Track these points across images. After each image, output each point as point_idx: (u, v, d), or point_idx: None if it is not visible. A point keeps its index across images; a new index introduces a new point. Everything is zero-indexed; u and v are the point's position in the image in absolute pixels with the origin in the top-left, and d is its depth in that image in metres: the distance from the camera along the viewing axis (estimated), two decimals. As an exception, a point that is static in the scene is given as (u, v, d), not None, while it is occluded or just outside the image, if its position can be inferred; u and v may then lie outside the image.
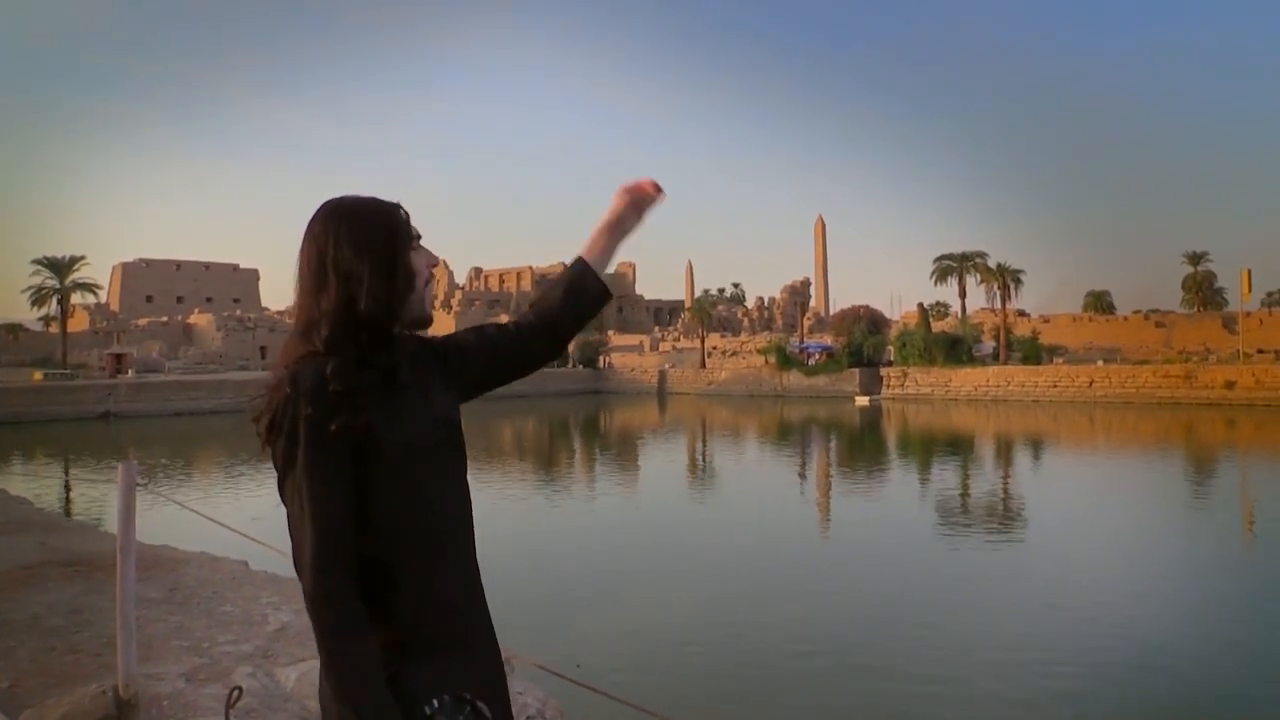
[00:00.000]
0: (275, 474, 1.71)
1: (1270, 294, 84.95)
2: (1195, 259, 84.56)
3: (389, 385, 1.74)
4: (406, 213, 1.85)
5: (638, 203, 2.07)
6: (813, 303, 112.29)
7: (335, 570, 1.65)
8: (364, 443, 1.68)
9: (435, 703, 1.66)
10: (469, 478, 1.89)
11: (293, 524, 1.67)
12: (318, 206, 1.83)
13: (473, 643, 1.78)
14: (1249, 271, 57.24)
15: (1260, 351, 58.73)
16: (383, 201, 1.84)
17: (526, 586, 11.91)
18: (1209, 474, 26.71)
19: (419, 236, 1.85)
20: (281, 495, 1.70)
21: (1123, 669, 9.45)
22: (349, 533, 1.68)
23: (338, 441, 1.66)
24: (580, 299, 2.02)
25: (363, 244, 1.78)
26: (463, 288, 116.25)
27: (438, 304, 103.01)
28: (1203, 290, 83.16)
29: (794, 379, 63.21)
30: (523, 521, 18.14)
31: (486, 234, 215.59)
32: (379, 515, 1.71)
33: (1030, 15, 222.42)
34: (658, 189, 2.06)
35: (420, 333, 1.91)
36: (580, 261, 2.04)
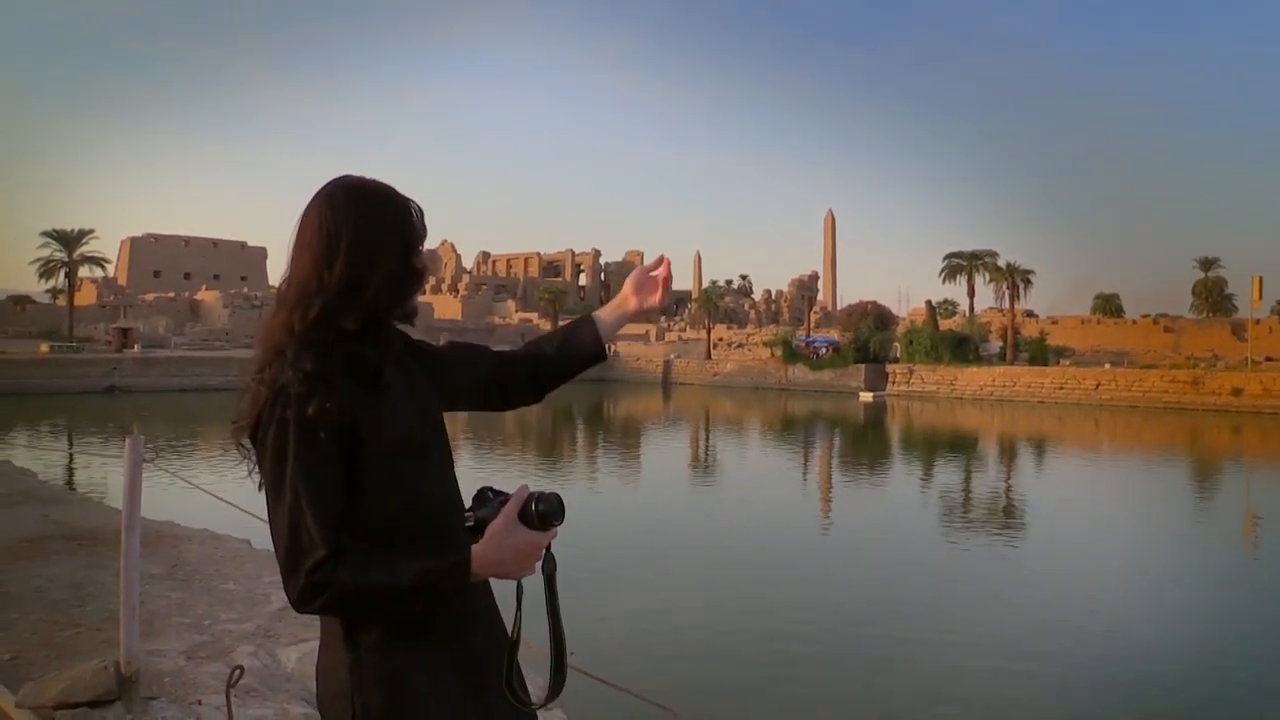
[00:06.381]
0: (261, 477, 1.65)
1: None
2: (1206, 264, 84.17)
3: (373, 381, 1.70)
4: (421, 210, 1.82)
5: (647, 288, 2.12)
6: (820, 297, 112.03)
7: (339, 537, 1.61)
8: (350, 440, 1.64)
9: None
10: (457, 472, 1.87)
11: (279, 523, 1.60)
12: (335, 179, 1.77)
13: (469, 631, 1.76)
14: (1260, 279, 57.05)
15: (1269, 359, 58.45)
16: (400, 193, 1.81)
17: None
18: (1213, 480, 26.65)
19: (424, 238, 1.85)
20: (268, 500, 1.63)
21: (1119, 670, 9.44)
22: (340, 518, 1.63)
23: (321, 432, 1.61)
24: (573, 354, 2.08)
25: (387, 228, 1.75)
26: (470, 272, 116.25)
27: (444, 287, 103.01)
28: (1213, 296, 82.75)
29: (799, 373, 63.11)
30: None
31: (495, 219, 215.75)
32: (365, 512, 1.66)
33: (1046, 15, 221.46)
34: (667, 268, 2.12)
35: (406, 330, 1.87)
36: (588, 317, 2.10)
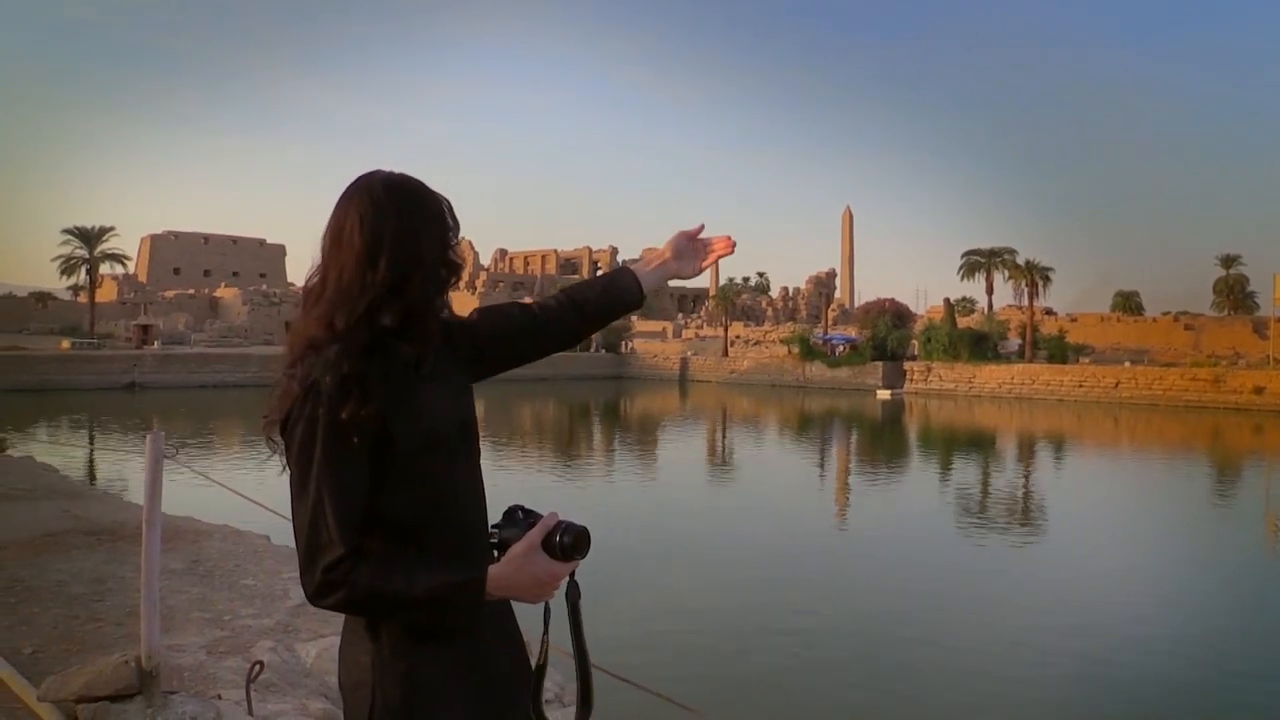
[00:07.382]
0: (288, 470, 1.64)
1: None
2: (1228, 262, 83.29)
3: (411, 376, 1.68)
4: (450, 203, 1.80)
5: (689, 253, 2.10)
6: (838, 295, 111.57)
7: (359, 537, 1.61)
8: (380, 436, 1.62)
9: None
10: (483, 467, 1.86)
11: (301, 518, 1.59)
12: (368, 174, 1.74)
13: (481, 630, 1.75)
14: (1282, 276, 56.45)
15: (1290, 357, 57.93)
16: (430, 187, 1.79)
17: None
18: (1234, 480, 26.41)
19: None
20: (292, 494, 1.62)
21: (1137, 669, 9.37)
22: (363, 518, 1.62)
23: (353, 432, 1.59)
24: (616, 297, 2.05)
25: (428, 223, 1.73)
26: (487, 269, 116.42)
27: (461, 284, 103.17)
28: (1234, 294, 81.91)
29: (816, 370, 62.95)
30: (539, 505, 18.16)
31: (512, 216, 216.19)
32: (390, 509, 1.65)
33: (1068, 11, 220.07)
34: (730, 248, 2.11)
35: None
36: (627, 267, 2.08)
